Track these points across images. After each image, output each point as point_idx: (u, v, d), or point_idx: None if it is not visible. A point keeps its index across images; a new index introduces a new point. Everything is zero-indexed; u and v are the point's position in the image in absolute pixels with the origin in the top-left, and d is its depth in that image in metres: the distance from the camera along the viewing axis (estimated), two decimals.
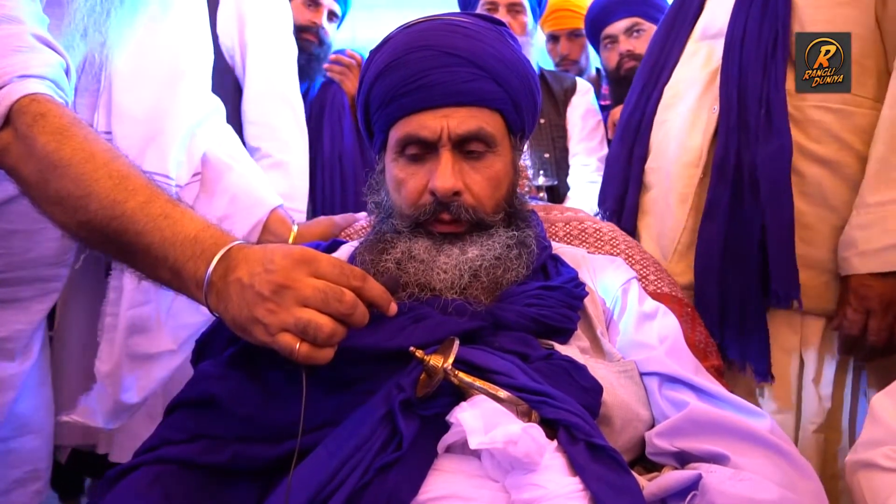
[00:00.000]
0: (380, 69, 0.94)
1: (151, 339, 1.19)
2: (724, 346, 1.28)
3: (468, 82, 0.91)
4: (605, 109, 2.29)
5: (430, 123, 0.90)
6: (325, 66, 2.24)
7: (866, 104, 1.20)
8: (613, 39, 2.13)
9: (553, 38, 2.60)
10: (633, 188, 1.50)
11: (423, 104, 0.91)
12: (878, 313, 1.16)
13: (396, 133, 0.94)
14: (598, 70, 2.58)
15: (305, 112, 2.27)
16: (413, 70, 0.91)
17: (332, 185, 2.12)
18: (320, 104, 2.19)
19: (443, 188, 0.89)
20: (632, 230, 1.49)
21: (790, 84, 1.23)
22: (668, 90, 1.46)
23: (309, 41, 2.17)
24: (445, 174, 0.89)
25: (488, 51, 0.93)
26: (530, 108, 0.99)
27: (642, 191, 1.50)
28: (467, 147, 0.91)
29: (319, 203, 2.13)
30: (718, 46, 1.34)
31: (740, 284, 1.25)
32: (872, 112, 1.19)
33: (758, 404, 1.27)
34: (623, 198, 1.52)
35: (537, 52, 2.16)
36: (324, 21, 2.18)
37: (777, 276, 1.22)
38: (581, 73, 2.58)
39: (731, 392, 0.85)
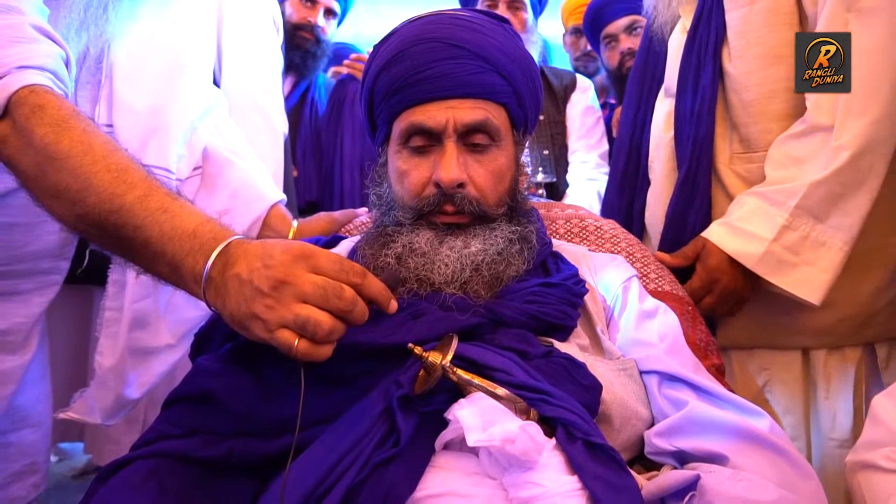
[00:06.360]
0: (385, 60, 0.94)
1: (151, 334, 1.18)
2: None
3: (474, 74, 0.91)
4: (614, 108, 2.30)
5: (436, 114, 0.90)
6: (346, 62, 2.23)
7: None
8: (614, 38, 2.14)
9: (576, 32, 2.60)
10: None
11: (428, 95, 0.91)
12: (715, 296, 1.21)
13: (400, 124, 0.94)
14: None
15: (325, 110, 2.25)
16: (419, 61, 0.91)
17: (352, 182, 2.11)
18: (338, 101, 2.19)
19: (448, 179, 0.89)
20: None
21: (737, 146, 1.26)
22: (651, 143, 1.48)
23: (305, 39, 2.16)
24: (450, 166, 0.89)
25: (493, 44, 0.93)
26: (533, 104, 1.00)
27: (645, 241, 1.50)
28: (472, 139, 0.92)
29: (338, 197, 2.12)
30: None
31: None
32: None
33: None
34: None
35: (538, 49, 2.15)
36: (320, 19, 2.17)
37: None
38: (601, 69, 2.58)
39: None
